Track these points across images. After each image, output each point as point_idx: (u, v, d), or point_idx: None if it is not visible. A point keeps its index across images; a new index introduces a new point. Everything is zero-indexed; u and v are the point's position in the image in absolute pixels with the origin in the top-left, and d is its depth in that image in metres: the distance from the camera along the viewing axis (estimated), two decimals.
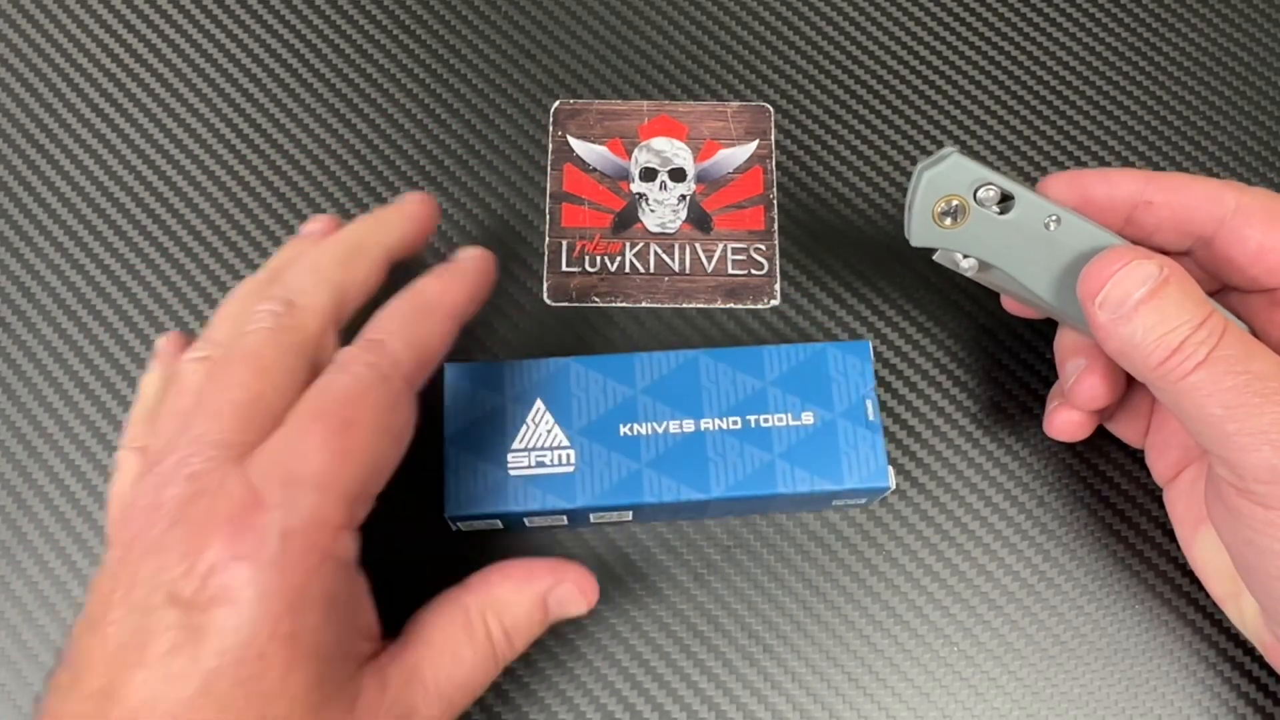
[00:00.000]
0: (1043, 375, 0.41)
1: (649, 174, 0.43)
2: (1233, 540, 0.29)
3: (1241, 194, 0.31)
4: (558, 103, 0.45)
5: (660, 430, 0.36)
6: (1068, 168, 0.44)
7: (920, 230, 0.31)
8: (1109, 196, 0.32)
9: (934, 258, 0.32)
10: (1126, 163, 0.45)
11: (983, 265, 0.32)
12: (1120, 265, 0.28)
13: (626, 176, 0.43)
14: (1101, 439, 0.39)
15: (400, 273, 0.34)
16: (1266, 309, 0.32)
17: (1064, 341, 0.35)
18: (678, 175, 0.43)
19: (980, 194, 0.30)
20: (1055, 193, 0.33)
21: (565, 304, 0.42)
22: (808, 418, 0.36)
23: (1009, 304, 0.37)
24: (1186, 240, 0.33)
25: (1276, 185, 0.44)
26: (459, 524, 0.37)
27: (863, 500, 0.38)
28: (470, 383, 0.36)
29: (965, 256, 0.32)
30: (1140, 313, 0.28)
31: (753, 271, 0.42)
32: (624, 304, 0.42)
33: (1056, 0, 0.47)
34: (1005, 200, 0.31)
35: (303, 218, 0.43)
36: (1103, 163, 0.44)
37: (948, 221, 0.31)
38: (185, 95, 0.45)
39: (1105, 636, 0.37)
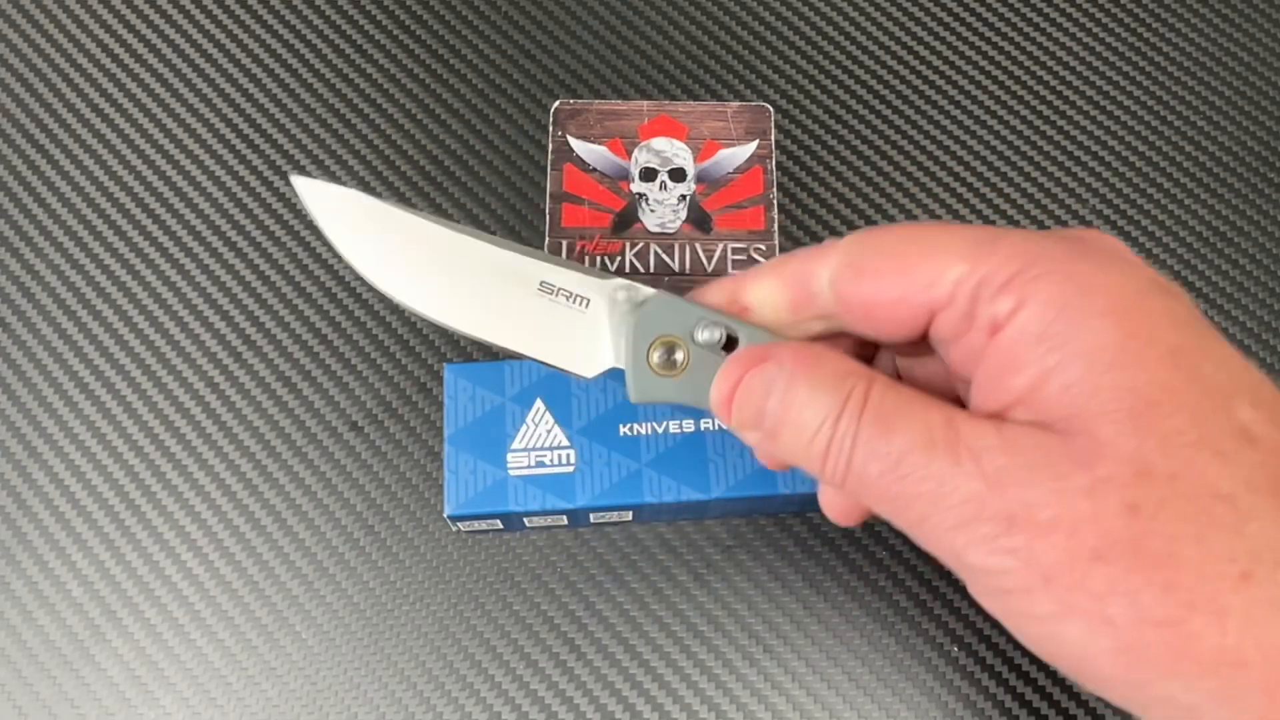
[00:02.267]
0: None
1: (649, 174, 0.43)
2: (1020, 638, 0.25)
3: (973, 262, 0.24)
4: (558, 103, 0.45)
5: (660, 430, 0.36)
6: (1067, 168, 0.44)
7: (636, 384, 0.26)
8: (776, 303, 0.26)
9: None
10: (1126, 163, 0.44)
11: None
12: (737, 379, 0.25)
13: (626, 176, 0.43)
14: None
15: None
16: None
17: None
18: (678, 175, 0.43)
19: (699, 335, 0.26)
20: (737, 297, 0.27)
21: None
22: None
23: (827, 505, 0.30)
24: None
25: (1277, 185, 0.44)
26: (459, 524, 0.37)
27: None
28: (470, 383, 0.36)
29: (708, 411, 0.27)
30: (781, 424, 0.24)
31: None
32: None
33: (1056, 0, 0.47)
34: (730, 343, 0.26)
35: (303, 218, 0.43)
36: (1102, 163, 0.44)
37: (665, 368, 0.26)
38: (185, 95, 0.45)
39: None
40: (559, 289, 0.28)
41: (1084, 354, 0.21)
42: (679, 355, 0.26)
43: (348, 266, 0.30)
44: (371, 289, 0.29)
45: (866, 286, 0.25)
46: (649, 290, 0.27)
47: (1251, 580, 0.20)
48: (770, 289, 0.26)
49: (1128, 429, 0.21)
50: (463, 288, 0.29)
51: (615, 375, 0.37)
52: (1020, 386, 0.22)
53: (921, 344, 0.26)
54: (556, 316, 0.28)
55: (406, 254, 0.29)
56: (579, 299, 0.28)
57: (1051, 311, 0.22)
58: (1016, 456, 0.22)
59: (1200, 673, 0.20)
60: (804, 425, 0.24)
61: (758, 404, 0.24)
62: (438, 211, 0.43)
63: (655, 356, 0.26)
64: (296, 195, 0.29)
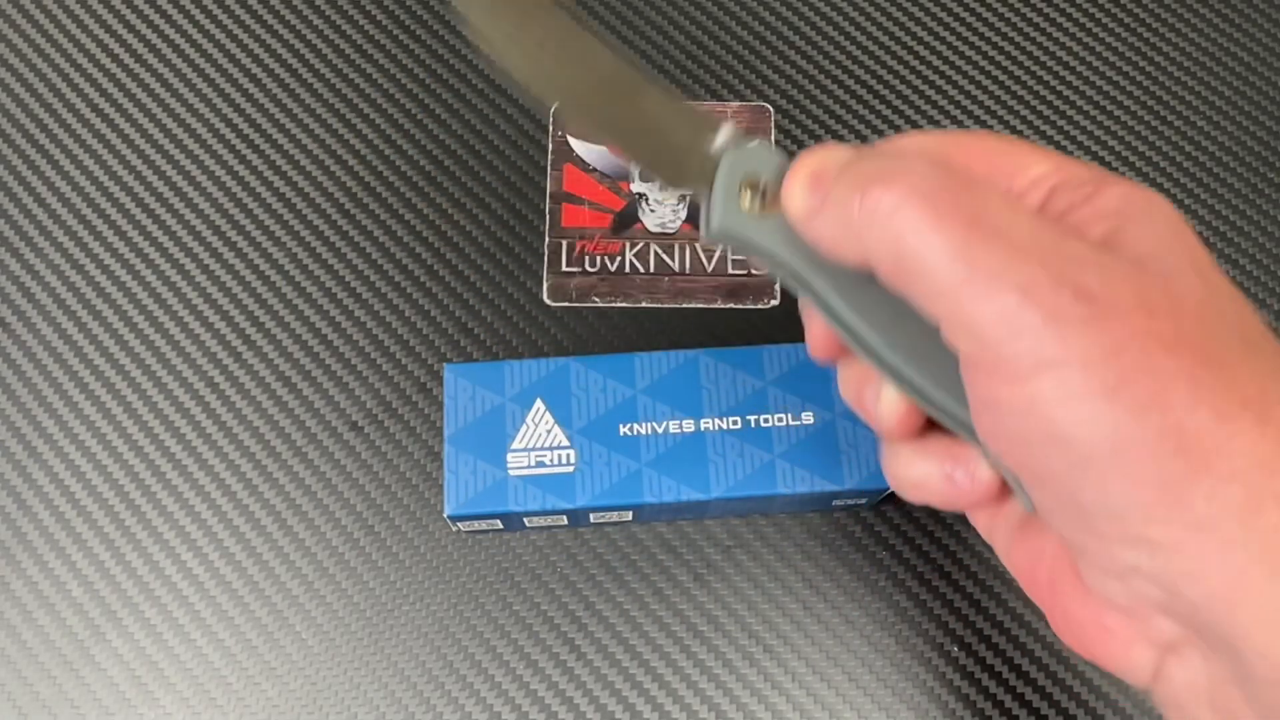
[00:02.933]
0: None
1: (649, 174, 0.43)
2: (1009, 445, 0.24)
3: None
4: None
5: (660, 430, 0.36)
6: None
7: (721, 212, 0.26)
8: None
9: (734, 253, 0.28)
10: (1126, 163, 0.45)
11: (794, 275, 0.27)
12: (809, 155, 0.25)
13: (626, 176, 0.43)
14: None
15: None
16: None
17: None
18: None
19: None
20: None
21: (565, 304, 0.42)
22: (808, 418, 0.36)
23: (812, 341, 0.29)
24: None
25: (1277, 185, 0.44)
26: (459, 524, 0.37)
27: (863, 500, 0.38)
28: (470, 383, 0.36)
29: (775, 260, 0.26)
30: (841, 179, 0.24)
31: (753, 271, 0.42)
32: (624, 304, 0.42)
33: (1056, 0, 0.47)
34: None
35: (303, 218, 0.43)
36: (1102, 163, 0.44)
37: (754, 205, 0.26)
38: (185, 95, 0.45)
39: None
40: (670, 107, 0.29)
41: (1150, 227, 0.23)
42: (767, 197, 0.26)
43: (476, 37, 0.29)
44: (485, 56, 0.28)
45: (957, 156, 0.26)
46: (756, 138, 0.27)
47: None
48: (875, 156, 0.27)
49: (1190, 277, 0.23)
50: (583, 78, 0.29)
51: (615, 374, 0.37)
52: (1095, 235, 0.23)
53: None
54: (664, 129, 0.28)
55: (542, 47, 0.29)
56: (689, 123, 0.28)
57: (1123, 202, 0.24)
58: (1097, 252, 0.22)
59: (1231, 475, 0.21)
60: (865, 162, 0.24)
61: (825, 160, 0.25)
62: (438, 211, 0.43)
63: (745, 193, 0.26)
64: None
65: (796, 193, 0.25)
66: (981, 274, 0.22)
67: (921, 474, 0.27)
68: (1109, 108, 0.45)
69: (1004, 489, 0.26)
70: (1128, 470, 0.21)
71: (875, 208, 0.23)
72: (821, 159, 0.25)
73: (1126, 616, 0.23)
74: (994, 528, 0.28)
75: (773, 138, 0.44)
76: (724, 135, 0.28)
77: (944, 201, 0.22)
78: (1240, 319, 0.23)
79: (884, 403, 0.27)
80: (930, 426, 0.28)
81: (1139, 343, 0.21)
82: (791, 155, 0.26)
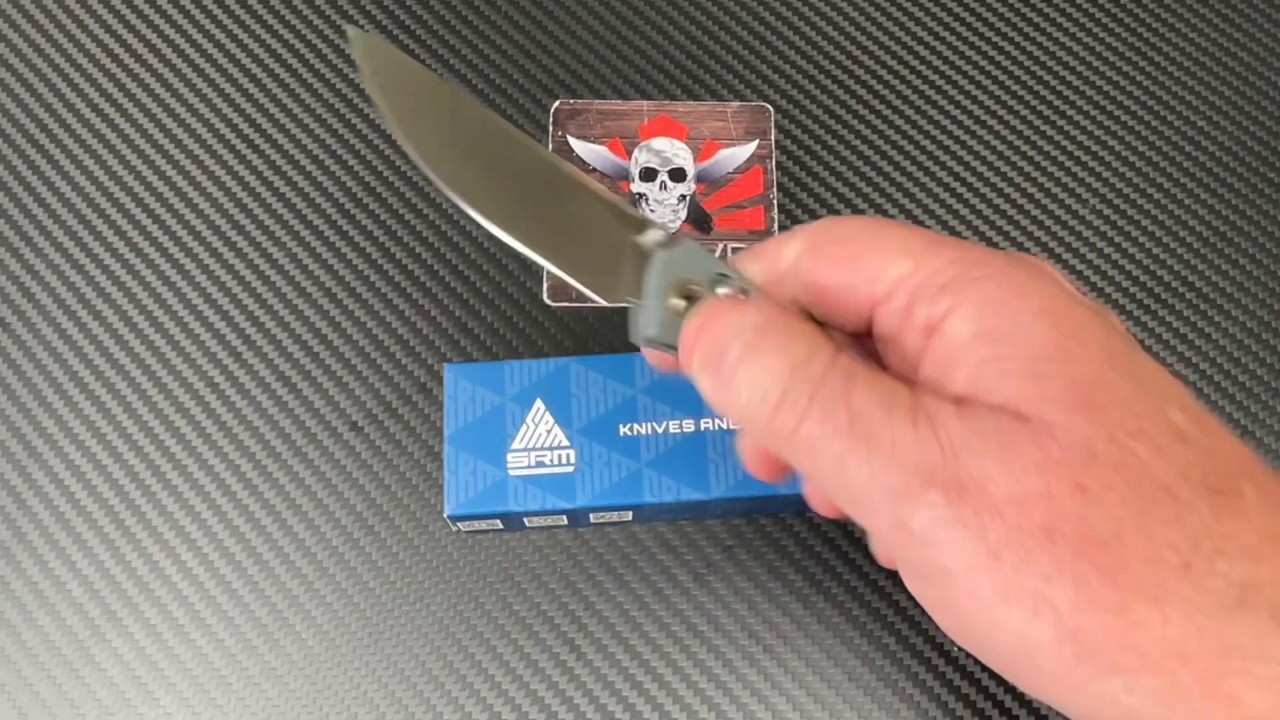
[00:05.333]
0: None
1: (649, 174, 0.43)
2: (951, 635, 0.24)
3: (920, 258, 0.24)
4: (558, 103, 0.45)
5: (660, 430, 0.36)
6: (1067, 168, 0.44)
7: (652, 320, 0.26)
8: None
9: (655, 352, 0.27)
10: (1126, 163, 0.45)
11: None
12: (710, 319, 0.25)
13: (626, 176, 0.43)
14: None
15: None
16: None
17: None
18: (678, 175, 0.43)
19: (719, 289, 0.26)
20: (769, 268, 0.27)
21: (565, 304, 0.42)
22: None
23: (747, 458, 0.30)
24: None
25: (1277, 185, 0.44)
26: (459, 524, 0.37)
27: None
28: (470, 383, 0.36)
29: None
30: (740, 370, 0.24)
31: None
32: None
33: (1056, 0, 0.47)
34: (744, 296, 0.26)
35: (303, 218, 0.43)
36: (1102, 163, 0.44)
37: (684, 310, 0.26)
38: (185, 95, 0.45)
39: None
40: (596, 211, 0.28)
41: (1023, 346, 0.22)
42: (699, 301, 0.26)
43: (391, 131, 0.28)
44: (409, 161, 0.28)
45: (820, 269, 0.25)
46: (683, 235, 0.27)
47: (1192, 570, 0.20)
48: (753, 267, 0.27)
49: (1075, 415, 0.21)
50: (500, 183, 0.27)
51: (615, 374, 0.37)
52: (963, 378, 0.22)
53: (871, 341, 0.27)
54: (588, 236, 0.28)
55: (451, 131, 0.27)
56: (613, 226, 0.28)
57: (989, 310, 0.22)
58: (973, 426, 0.21)
59: (1142, 667, 0.20)
60: (763, 371, 0.23)
61: (723, 344, 0.24)
62: (438, 210, 0.43)
63: (673, 298, 0.26)
64: (351, 50, 0.28)
65: (697, 378, 0.25)
66: (863, 486, 0.22)
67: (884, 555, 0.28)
68: (1109, 108, 0.45)
69: None
70: (1044, 673, 0.21)
71: (780, 432, 0.23)
72: (713, 336, 0.25)
73: None
74: None
75: (773, 138, 0.44)
76: (651, 238, 0.27)
77: (827, 412, 0.22)
78: (1134, 458, 0.21)
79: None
80: None
81: (1016, 542, 0.20)
82: (720, 255, 0.26)
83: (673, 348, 0.26)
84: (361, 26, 0.46)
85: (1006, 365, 0.22)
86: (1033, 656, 0.21)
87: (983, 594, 0.21)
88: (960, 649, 0.38)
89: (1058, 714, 0.37)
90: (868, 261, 0.25)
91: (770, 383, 0.23)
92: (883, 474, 0.22)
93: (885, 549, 0.23)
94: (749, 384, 0.23)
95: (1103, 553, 0.20)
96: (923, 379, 0.24)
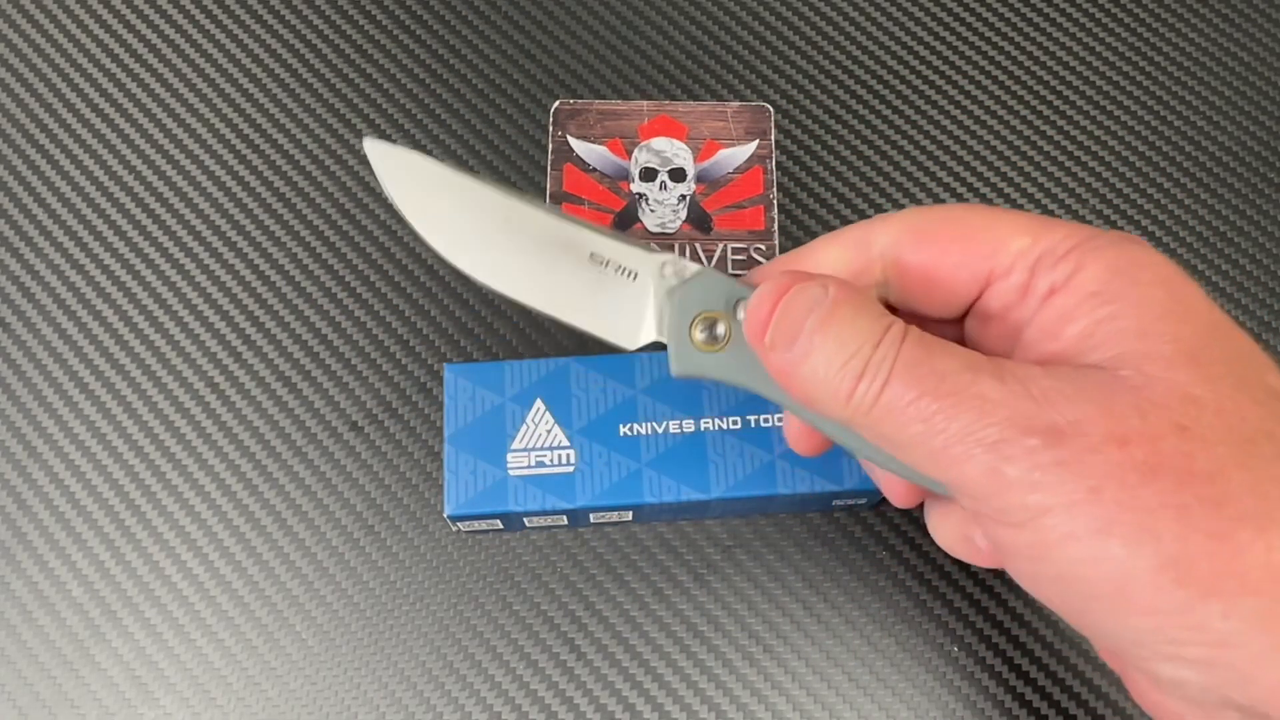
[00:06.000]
0: None
1: (649, 174, 0.43)
2: (1032, 584, 0.24)
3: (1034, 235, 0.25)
4: (558, 103, 0.45)
5: (660, 430, 0.36)
6: (1067, 168, 0.44)
7: (676, 356, 0.26)
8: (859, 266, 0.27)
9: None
10: (1126, 163, 0.44)
11: (769, 399, 0.27)
12: (781, 294, 0.25)
13: (626, 176, 0.43)
14: None
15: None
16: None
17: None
18: (678, 175, 0.43)
19: (741, 313, 0.26)
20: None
21: None
22: None
23: (790, 433, 0.31)
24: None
25: (1277, 185, 0.44)
26: (459, 524, 0.37)
27: (863, 500, 0.38)
28: (470, 383, 0.36)
29: (744, 386, 0.27)
30: (816, 343, 0.24)
31: None
32: None
33: (1056, 0, 0.47)
34: None
35: (303, 218, 0.43)
36: (1102, 163, 0.44)
37: (707, 343, 0.26)
38: (185, 95, 0.45)
39: None
40: (608, 261, 0.29)
41: (1138, 306, 0.23)
42: (720, 331, 0.26)
43: (408, 228, 0.30)
44: (427, 249, 0.29)
45: (927, 252, 0.26)
46: (695, 266, 0.27)
47: None
48: (835, 254, 0.27)
49: (1178, 369, 0.22)
50: (515, 254, 0.29)
51: (615, 374, 0.37)
52: (1073, 334, 0.23)
53: (956, 326, 0.27)
54: (605, 287, 0.29)
55: (464, 218, 0.29)
56: (627, 271, 0.29)
57: (1110, 274, 0.23)
58: (1064, 379, 0.22)
59: (1242, 590, 0.20)
60: (844, 341, 0.24)
61: (797, 318, 0.24)
62: None
63: (698, 331, 0.26)
64: (368, 158, 0.30)
65: (768, 340, 0.25)
66: (955, 439, 0.22)
67: (944, 537, 0.28)
68: (1109, 108, 0.45)
69: None
70: (1136, 604, 0.21)
71: (860, 402, 0.23)
72: (786, 312, 0.25)
73: (1197, 708, 0.23)
74: None
75: (773, 138, 0.44)
76: (666, 275, 0.27)
77: (912, 377, 0.23)
78: (1234, 405, 0.22)
79: (890, 488, 0.29)
80: None
81: (1116, 478, 0.21)
82: (735, 275, 0.27)
83: (705, 379, 0.27)
84: (361, 26, 0.46)
85: (1120, 323, 0.23)
86: (1127, 588, 0.21)
87: (1081, 530, 0.21)
88: (960, 650, 0.38)
89: (1058, 714, 0.37)
90: (983, 240, 0.25)
91: (851, 351, 0.23)
92: (976, 426, 0.22)
93: (971, 502, 0.23)
94: (826, 356, 0.24)
95: (1206, 485, 0.21)
96: (1023, 343, 0.25)
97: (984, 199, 0.44)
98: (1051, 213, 0.44)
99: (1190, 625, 0.21)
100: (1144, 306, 0.23)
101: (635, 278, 0.28)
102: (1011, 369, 0.23)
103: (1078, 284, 0.24)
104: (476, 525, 0.37)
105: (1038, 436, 0.21)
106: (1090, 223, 0.43)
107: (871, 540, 0.39)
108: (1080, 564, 0.22)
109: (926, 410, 0.22)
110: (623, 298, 0.29)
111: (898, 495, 0.29)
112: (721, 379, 0.27)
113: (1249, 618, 0.20)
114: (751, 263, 0.42)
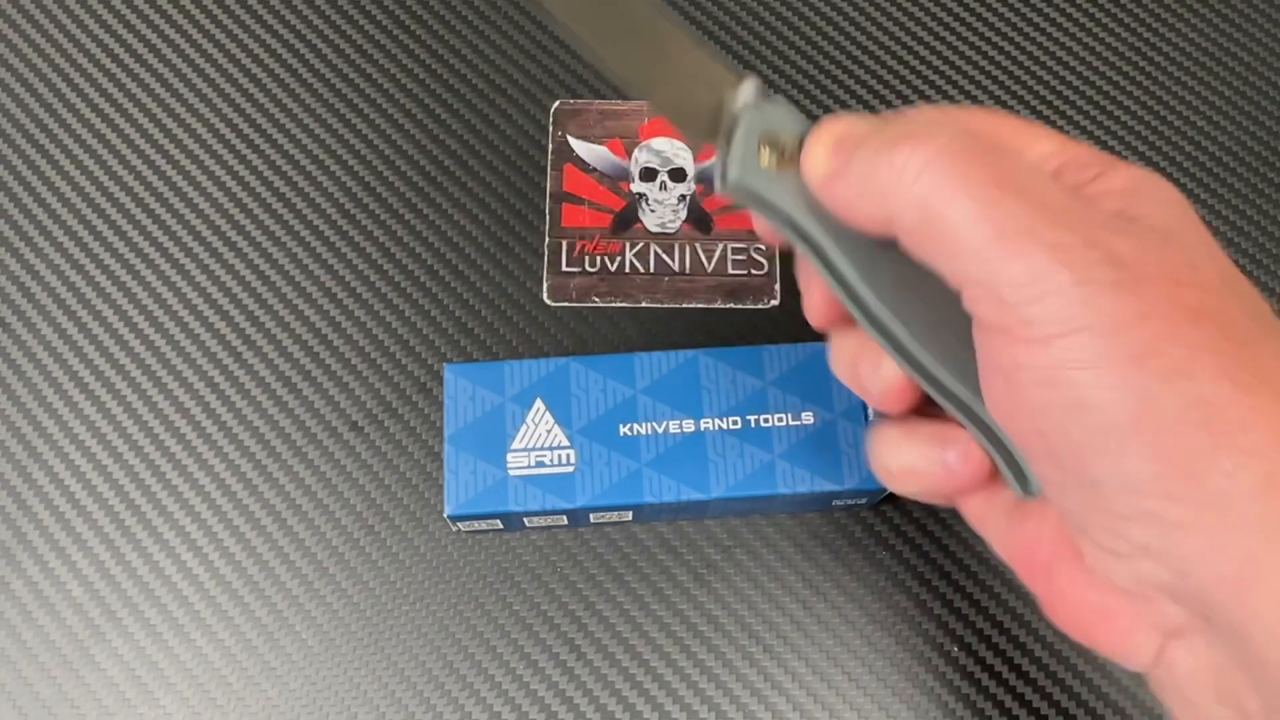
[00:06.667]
0: None
1: (649, 174, 0.43)
2: (1027, 414, 0.23)
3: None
4: (558, 103, 0.45)
5: (660, 430, 0.36)
6: None
7: (740, 165, 0.25)
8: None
9: (751, 207, 0.27)
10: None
11: (804, 237, 0.26)
12: (837, 117, 0.25)
13: (626, 176, 0.43)
14: None
15: None
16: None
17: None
18: (678, 175, 0.43)
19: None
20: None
21: (565, 304, 0.42)
22: (807, 418, 0.36)
23: (811, 308, 0.29)
24: None
25: (1277, 185, 0.44)
26: (459, 524, 0.37)
27: (863, 500, 0.38)
28: (470, 383, 0.36)
29: (783, 216, 0.26)
30: (866, 140, 0.24)
31: (753, 271, 0.42)
32: (624, 304, 0.42)
33: (1056, 0, 0.47)
34: None
35: (303, 218, 0.43)
36: None
37: (772, 162, 0.26)
38: (185, 95, 0.45)
39: None
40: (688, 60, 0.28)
41: (1163, 207, 0.23)
42: (785, 155, 0.26)
43: None
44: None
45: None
46: (773, 94, 0.27)
47: None
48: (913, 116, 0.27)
49: (1207, 256, 0.23)
50: (615, 24, 0.28)
51: (615, 374, 0.37)
52: (1109, 212, 0.24)
53: None
54: (680, 80, 0.28)
55: None
56: (718, 71, 0.28)
57: (1132, 183, 0.24)
58: (1128, 221, 0.23)
59: (1255, 450, 0.20)
60: (894, 125, 0.24)
61: (853, 127, 0.24)
62: (438, 211, 0.43)
63: (764, 149, 0.26)
64: None
65: (819, 155, 0.25)
66: (1011, 232, 0.21)
67: (911, 459, 0.27)
68: (1109, 107, 0.45)
69: (994, 474, 0.26)
70: (1149, 440, 0.21)
71: (904, 166, 0.22)
72: (846, 125, 0.25)
73: (1129, 600, 0.23)
74: (986, 515, 0.27)
75: None
76: (747, 90, 0.27)
77: (973, 162, 0.22)
78: (1253, 301, 0.23)
79: (881, 376, 0.27)
80: (920, 411, 0.27)
81: (1166, 310, 0.21)
82: (813, 120, 0.26)
83: (755, 197, 0.26)
84: (361, 27, 0.46)
85: (1151, 212, 0.23)
86: (1145, 421, 0.21)
87: (1117, 353, 0.21)
88: (960, 650, 0.38)
89: (1058, 714, 0.37)
90: (1019, 132, 0.26)
91: (900, 129, 0.23)
92: (1038, 225, 0.21)
93: (997, 308, 0.22)
94: (877, 141, 0.23)
95: (1241, 345, 0.21)
96: None
97: None
98: None
99: (1191, 475, 0.20)
100: (1168, 211, 0.23)
101: (720, 82, 0.28)
102: (1077, 194, 0.23)
103: (1102, 184, 0.24)
104: (476, 525, 0.37)
105: (1100, 252, 0.21)
106: None
107: (871, 540, 0.39)
108: (1102, 390, 0.21)
109: (986, 196, 0.22)
110: (700, 93, 0.28)
111: (816, 310, 0.28)
112: (769, 200, 0.26)
113: (1247, 482, 0.20)
114: (751, 263, 0.42)
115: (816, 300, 0.28)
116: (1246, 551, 0.20)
